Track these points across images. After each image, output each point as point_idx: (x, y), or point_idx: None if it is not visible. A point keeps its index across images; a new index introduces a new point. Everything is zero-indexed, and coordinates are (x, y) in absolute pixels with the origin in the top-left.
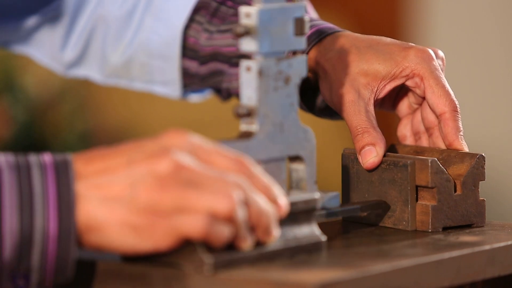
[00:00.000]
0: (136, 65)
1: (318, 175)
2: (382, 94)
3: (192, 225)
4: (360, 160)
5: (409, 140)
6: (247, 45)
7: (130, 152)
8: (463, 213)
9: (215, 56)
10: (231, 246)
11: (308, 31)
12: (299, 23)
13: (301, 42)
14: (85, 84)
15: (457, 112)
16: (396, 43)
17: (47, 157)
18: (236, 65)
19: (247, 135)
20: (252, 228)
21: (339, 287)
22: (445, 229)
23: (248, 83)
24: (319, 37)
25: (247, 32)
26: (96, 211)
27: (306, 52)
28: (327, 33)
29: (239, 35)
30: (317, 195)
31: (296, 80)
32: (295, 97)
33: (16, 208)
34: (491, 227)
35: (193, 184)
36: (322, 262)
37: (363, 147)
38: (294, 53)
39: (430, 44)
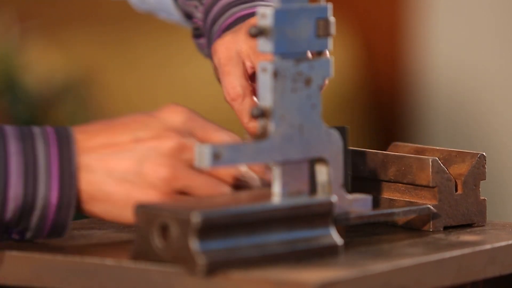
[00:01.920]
0: (150, 2)
1: None
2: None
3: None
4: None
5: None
6: (263, 45)
7: (135, 130)
8: (464, 213)
9: (190, 17)
10: (228, 247)
11: (334, 32)
12: (322, 24)
13: (324, 43)
14: (86, 83)
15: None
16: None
17: (49, 129)
18: (197, 35)
19: (261, 136)
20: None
21: (340, 287)
22: (446, 228)
23: (264, 84)
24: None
25: (261, 33)
26: (103, 184)
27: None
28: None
29: (253, 36)
30: (334, 198)
31: (319, 82)
32: (317, 99)
33: (21, 175)
34: (492, 227)
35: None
36: (322, 262)
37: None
38: (319, 54)
39: (431, 44)
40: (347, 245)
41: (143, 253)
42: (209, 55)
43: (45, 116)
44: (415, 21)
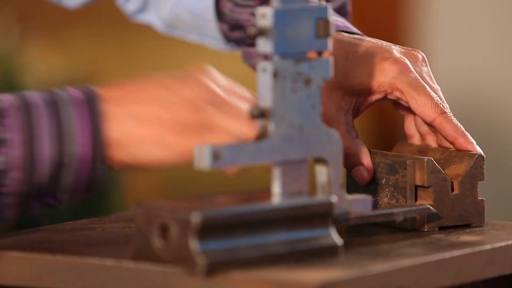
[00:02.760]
0: (185, 21)
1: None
2: (363, 107)
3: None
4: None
5: (416, 139)
6: (263, 46)
7: (158, 77)
8: (460, 213)
9: (239, 27)
10: (228, 247)
11: (333, 32)
12: (322, 24)
13: (324, 43)
14: (86, 84)
15: (446, 113)
16: (374, 52)
17: (76, 93)
18: (250, 44)
19: (261, 136)
20: None
21: (340, 287)
22: (442, 228)
23: (264, 84)
24: None
25: (261, 33)
26: (128, 128)
27: None
28: None
29: (252, 36)
30: (333, 198)
31: (318, 82)
32: (316, 99)
33: (55, 138)
34: (492, 227)
35: (221, 107)
36: (322, 262)
37: (350, 167)
38: (319, 54)
39: (431, 44)
40: (347, 245)
41: (143, 253)
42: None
43: None
44: (415, 21)
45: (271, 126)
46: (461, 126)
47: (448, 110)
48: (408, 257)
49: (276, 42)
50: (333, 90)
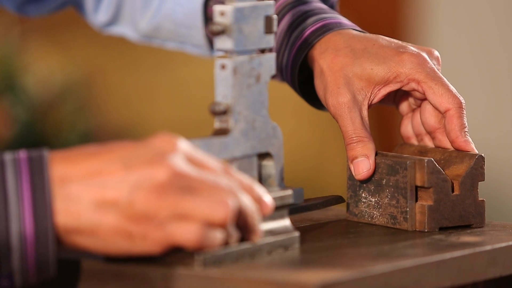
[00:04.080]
0: (165, 30)
1: (319, 178)
2: (376, 99)
3: (187, 234)
4: (352, 169)
5: (412, 140)
6: (223, 43)
7: (125, 157)
8: (461, 214)
9: None
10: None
11: (276, 29)
12: (268, 22)
13: (270, 40)
14: (87, 84)
15: (462, 108)
16: (391, 46)
17: (22, 156)
18: None
19: (222, 132)
20: (238, 226)
21: None
22: (443, 229)
23: (223, 81)
24: (322, 33)
25: (224, 31)
26: (89, 215)
27: (309, 47)
28: (329, 29)
29: (216, 33)
30: (289, 191)
31: (266, 78)
32: (265, 95)
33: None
34: (492, 228)
35: (190, 191)
36: (323, 262)
37: (356, 157)
38: (263, 51)
39: (431, 44)
40: (347, 246)
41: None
42: None
43: (45, 118)
44: (415, 21)
45: (232, 122)
46: (467, 127)
47: (463, 104)
48: (409, 258)
49: (235, 39)
50: (351, 80)
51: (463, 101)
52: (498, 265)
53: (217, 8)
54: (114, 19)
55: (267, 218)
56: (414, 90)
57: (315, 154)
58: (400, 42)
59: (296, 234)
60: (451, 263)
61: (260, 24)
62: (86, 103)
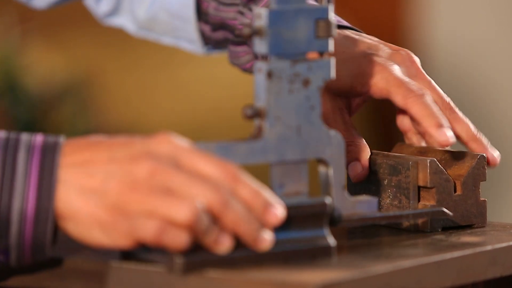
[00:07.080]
0: (161, 22)
1: (316, 177)
2: (354, 107)
3: (146, 229)
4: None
5: (410, 133)
6: (258, 46)
7: (113, 149)
8: (463, 214)
9: (223, 26)
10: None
11: (335, 33)
12: (322, 25)
13: (324, 44)
14: (87, 84)
15: (420, 96)
16: (358, 54)
17: (38, 137)
18: (237, 43)
19: (254, 136)
20: (236, 233)
21: None
22: (445, 229)
23: (259, 84)
24: None
25: (256, 33)
26: (72, 200)
27: None
28: None
29: (247, 36)
30: (328, 199)
31: (318, 83)
32: (316, 100)
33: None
34: (493, 228)
35: (165, 191)
36: (323, 263)
37: (348, 162)
38: (321, 54)
39: (431, 45)
40: (348, 246)
41: (128, 253)
42: (247, 65)
43: (45, 118)
44: (415, 21)
45: (265, 126)
46: (434, 107)
47: (422, 91)
48: (409, 258)
49: (271, 43)
50: (324, 91)
51: (420, 90)
52: (499, 265)
53: (255, 11)
54: (115, 9)
55: (295, 226)
56: (392, 100)
57: None
58: (371, 44)
59: (331, 244)
60: (451, 263)
61: (308, 28)
62: (87, 103)
